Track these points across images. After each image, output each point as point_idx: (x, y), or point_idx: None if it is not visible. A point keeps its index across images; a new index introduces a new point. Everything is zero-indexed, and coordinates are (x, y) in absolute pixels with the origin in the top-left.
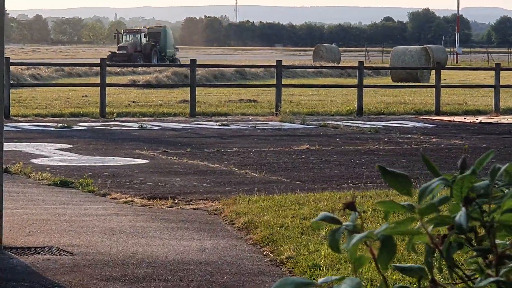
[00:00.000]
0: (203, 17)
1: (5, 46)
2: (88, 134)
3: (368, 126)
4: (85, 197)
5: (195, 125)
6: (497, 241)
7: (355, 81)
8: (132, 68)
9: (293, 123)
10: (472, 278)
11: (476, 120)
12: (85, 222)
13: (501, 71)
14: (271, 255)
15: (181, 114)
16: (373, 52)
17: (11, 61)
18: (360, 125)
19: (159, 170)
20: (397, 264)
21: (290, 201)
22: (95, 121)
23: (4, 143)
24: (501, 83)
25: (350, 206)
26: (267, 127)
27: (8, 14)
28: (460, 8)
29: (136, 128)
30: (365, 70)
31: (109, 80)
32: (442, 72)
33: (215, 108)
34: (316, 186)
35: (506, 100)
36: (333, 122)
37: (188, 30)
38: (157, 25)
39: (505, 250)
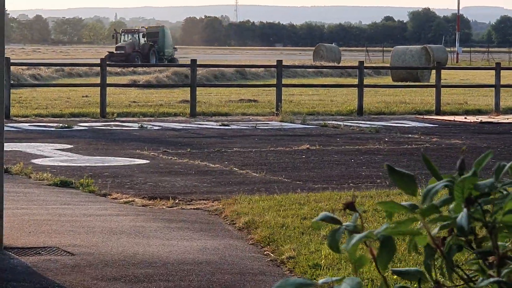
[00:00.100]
0: (203, 17)
1: (5, 46)
2: (89, 134)
3: (368, 126)
4: (85, 197)
5: (196, 125)
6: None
7: (355, 81)
8: (132, 68)
9: (293, 123)
10: (473, 279)
11: (477, 120)
12: (86, 222)
13: (501, 71)
14: (271, 255)
15: (181, 114)
16: (374, 52)
17: (12, 61)
18: (360, 125)
19: (159, 170)
20: (395, 268)
21: (290, 201)
22: (96, 121)
23: (5, 144)
24: (502, 82)
25: (350, 206)
26: (268, 127)
27: (9, 14)
28: (460, 8)
29: (136, 128)
30: (365, 70)
31: (109, 80)
32: (443, 71)
33: (216, 108)
34: (316, 186)
35: (507, 99)
36: (333, 122)
37: (188, 30)
38: (156, 25)
39: (506, 251)
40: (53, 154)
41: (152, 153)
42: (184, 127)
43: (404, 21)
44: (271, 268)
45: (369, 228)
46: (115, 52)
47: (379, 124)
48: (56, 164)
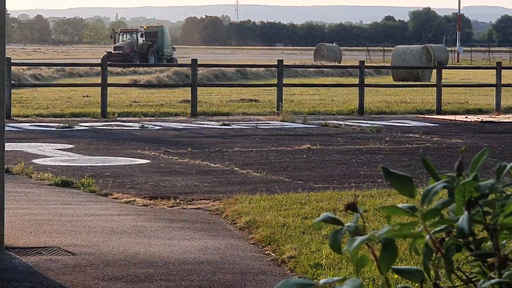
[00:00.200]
0: (204, 17)
1: (6, 46)
2: (90, 134)
3: (369, 125)
4: (86, 197)
5: (196, 125)
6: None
7: (356, 81)
8: (133, 68)
9: (294, 122)
10: (473, 280)
11: (478, 119)
12: (87, 222)
13: (502, 70)
14: (272, 254)
15: (182, 114)
16: (374, 51)
17: (12, 61)
18: (361, 125)
19: (160, 170)
20: (395, 266)
21: (291, 201)
22: (96, 121)
23: (6, 143)
24: (503, 82)
25: (352, 207)
26: (269, 126)
27: (9, 14)
28: (461, 7)
29: (137, 128)
30: (366, 70)
31: (110, 80)
32: (443, 71)
33: (216, 108)
34: (317, 185)
35: (508, 99)
36: (334, 121)
37: (189, 29)
38: (156, 24)
39: (508, 254)
40: (54, 154)
41: (153, 153)
42: (185, 127)
43: (405, 21)
44: (272, 268)
45: (370, 227)
46: (113, 52)
47: (380, 124)
48: (57, 164)
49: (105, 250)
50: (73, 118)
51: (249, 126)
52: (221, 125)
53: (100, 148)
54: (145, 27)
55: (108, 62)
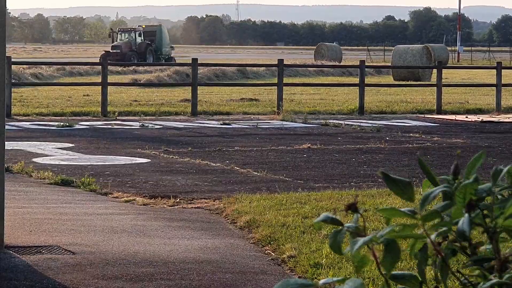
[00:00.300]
0: (204, 16)
1: (6, 45)
2: (90, 133)
3: (369, 125)
4: (86, 196)
5: (197, 124)
6: (489, 246)
7: (356, 80)
8: (133, 67)
9: (294, 122)
10: (473, 282)
11: (478, 119)
12: (87, 221)
13: (502, 70)
14: (272, 254)
15: (182, 113)
16: (375, 51)
17: (13, 60)
18: (361, 124)
19: (160, 169)
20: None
21: (291, 200)
22: (97, 120)
23: (6, 142)
24: (503, 82)
25: (352, 207)
26: (269, 126)
27: (10, 13)
28: (461, 7)
29: (137, 127)
30: (366, 69)
31: (110, 79)
32: (444, 71)
33: (217, 107)
34: (317, 185)
35: (508, 99)
36: (334, 121)
37: (189, 29)
38: (153, 23)
39: (508, 256)
40: (54, 153)
41: (153, 152)
42: (185, 126)
43: (405, 21)
44: (272, 267)
45: (371, 227)
46: (111, 51)
47: (380, 123)
48: (57, 163)
49: (105, 249)
50: (73, 117)
51: (249, 125)
52: (221, 124)
53: (100, 147)
54: (143, 26)
55: (108, 62)
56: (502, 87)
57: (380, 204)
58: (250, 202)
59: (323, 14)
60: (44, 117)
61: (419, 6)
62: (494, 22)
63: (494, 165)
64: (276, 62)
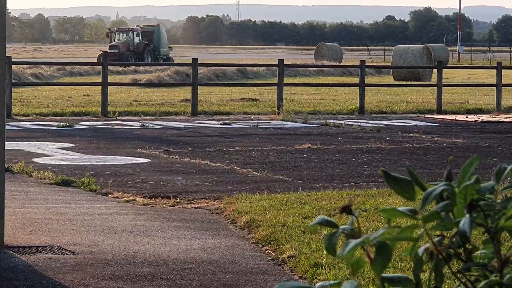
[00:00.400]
0: (204, 16)
1: (6, 45)
2: (90, 133)
3: (369, 125)
4: (86, 196)
5: (197, 124)
6: (484, 251)
7: (357, 80)
8: (133, 67)
9: (294, 122)
10: (474, 283)
11: (478, 119)
12: (87, 221)
13: (503, 70)
14: (273, 254)
15: (182, 113)
16: (375, 51)
17: (13, 60)
18: (361, 124)
19: (160, 169)
20: (384, 275)
21: (292, 200)
22: (97, 120)
23: (6, 142)
24: (503, 82)
25: (347, 209)
26: (269, 126)
27: (10, 13)
28: (461, 7)
29: (137, 127)
30: (367, 69)
31: (110, 79)
32: (444, 71)
33: (217, 107)
34: (318, 185)
35: (508, 99)
36: (334, 121)
37: (189, 29)
38: (152, 23)
39: (509, 256)
40: (54, 153)
41: (154, 152)
42: (186, 126)
43: (406, 21)
44: (272, 267)
45: (371, 227)
46: (108, 51)
47: (380, 123)
48: (57, 163)
49: (105, 249)
50: (73, 117)
51: (249, 125)
52: (221, 124)
53: (100, 147)
54: (141, 26)
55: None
56: (502, 87)
57: (380, 204)
58: (250, 202)
59: (323, 14)
60: (44, 117)
61: (420, 6)
62: (494, 22)
63: (495, 165)
64: (277, 62)
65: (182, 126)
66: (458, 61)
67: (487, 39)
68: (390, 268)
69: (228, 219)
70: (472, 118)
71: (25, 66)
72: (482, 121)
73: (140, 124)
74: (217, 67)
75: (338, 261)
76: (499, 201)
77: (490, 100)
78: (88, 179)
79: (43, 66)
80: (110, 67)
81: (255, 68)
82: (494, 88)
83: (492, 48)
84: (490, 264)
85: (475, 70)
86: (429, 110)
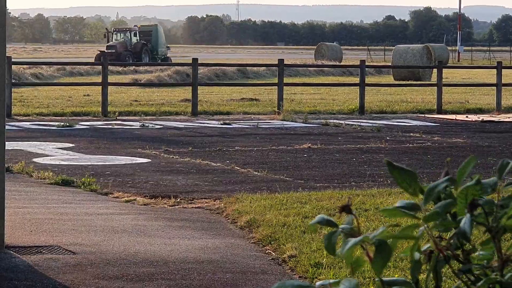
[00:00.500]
0: (204, 16)
1: (6, 45)
2: (90, 133)
3: (370, 124)
4: (87, 196)
5: (197, 124)
6: (482, 252)
7: (357, 80)
8: (133, 67)
9: (295, 121)
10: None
11: (478, 119)
12: (87, 221)
13: (503, 70)
14: (273, 253)
15: (183, 113)
16: (375, 51)
17: (13, 60)
18: (362, 124)
19: (161, 169)
20: (385, 279)
21: (292, 200)
22: (97, 120)
23: (6, 142)
24: (503, 81)
25: (346, 208)
26: (269, 125)
27: (10, 13)
28: (461, 7)
29: (138, 127)
30: (367, 69)
31: (110, 79)
32: (444, 70)
33: (217, 107)
34: (318, 184)
35: (508, 98)
36: (335, 120)
37: (189, 28)
38: (150, 23)
39: (510, 255)
40: (54, 153)
41: (154, 152)
42: (186, 126)
43: (406, 20)
44: (272, 267)
45: (371, 227)
46: (106, 51)
47: (380, 123)
48: (57, 163)
49: (105, 249)
50: (73, 117)
51: (249, 125)
52: (221, 124)
53: (100, 147)
54: (138, 26)
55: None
56: (502, 87)
57: (380, 204)
58: (250, 202)
59: (323, 14)
60: (44, 117)
61: (420, 6)
62: (495, 22)
63: (495, 164)
64: (277, 62)
65: (182, 126)
66: (458, 60)
67: (487, 39)
68: (390, 268)
69: (228, 219)
70: (472, 117)
71: (25, 66)
72: (482, 121)
73: (140, 124)
74: (217, 67)
75: (338, 261)
76: (500, 199)
77: (490, 100)
78: (88, 179)
79: (43, 66)
80: (110, 67)
81: (255, 68)
82: (494, 87)
83: (492, 48)
84: (489, 264)
85: (475, 69)
86: (429, 110)
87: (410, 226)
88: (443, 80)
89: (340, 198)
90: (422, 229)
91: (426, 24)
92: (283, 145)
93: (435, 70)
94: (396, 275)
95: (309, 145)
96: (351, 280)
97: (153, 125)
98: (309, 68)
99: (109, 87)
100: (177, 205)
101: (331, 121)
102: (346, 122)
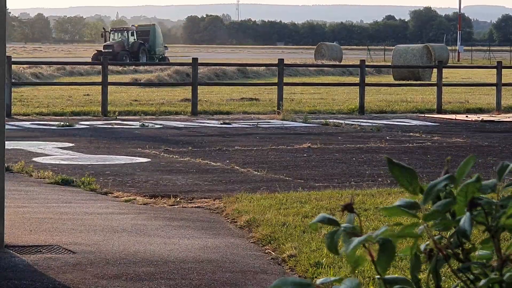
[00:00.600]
0: (204, 16)
1: (6, 45)
2: (90, 132)
3: (369, 124)
4: (86, 196)
5: (197, 124)
6: (482, 252)
7: (357, 80)
8: (133, 67)
9: (294, 121)
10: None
11: (478, 119)
12: (87, 221)
13: (502, 70)
14: (273, 253)
15: (183, 113)
16: (375, 51)
17: (13, 59)
18: (361, 124)
19: (160, 169)
20: (386, 277)
21: (292, 200)
22: (97, 120)
23: (6, 142)
24: (503, 81)
25: (348, 207)
26: (269, 125)
27: (10, 13)
28: (461, 7)
29: (137, 126)
30: (367, 69)
31: (110, 78)
32: (444, 70)
33: (217, 107)
34: (317, 184)
35: (508, 98)
36: (334, 120)
37: (189, 28)
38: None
39: (509, 255)
40: (54, 153)
41: (154, 152)
42: (186, 126)
43: (406, 20)
44: (272, 267)
45: (371, 226)
46: (103, 50)
47: (380, 123)
48: (57, 162)
49: (105, 249)
50: (73, 117)
51: (249, 125)
52: (221, 123)
53: (100, 146)
54: (136, 25)
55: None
56: (502, 87)
57: (380, 203)
58: (250, 202)
59: (323, 14)
60: (44, 116)
61: (420, 6)
62: (495, 22)
63: (495, 164)
64: (276, 62)
65: (182, 126)
66: (458, 60)
67: (487, 39)
68: (390, 267)
69: (228, 219)
70: (472, 117)
71: (25, 65)
72: (482, 121)
73: (140, 123)
74: (217, 67)
75: (338, 260)
76: (500, 199)
77: (490, 100)
78: (88, 179)
79: (43, 65)
80: (110, 67)
81: (255, 68)
82: (494, 87)
83: (492, 48)
84: (489, 264)
85: (475, 69)
86: (429, 110)
87: (410, 225)
88: (443, 80)
89: (340, 198)
90: (422, 228)
91: (426, 24)
92: (283, 144)
93: (435, 70)
94: (396, 275)
95: (309, 144)
96: (353, 279)
97: (153, 124)
98: (309, 68)
99: (109, 87)
100: (177, 205)
101: (331, 120)
102: (346, 122)
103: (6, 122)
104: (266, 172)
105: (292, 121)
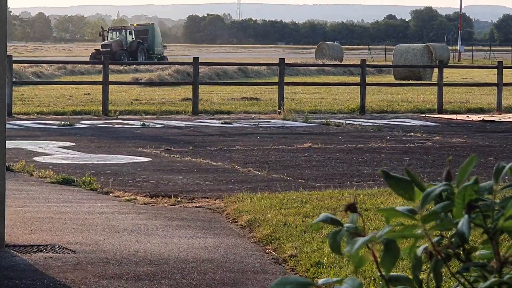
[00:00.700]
0: (205, 15)
1: (7, 44)
2: (91, 132)
3: (370, 124)
4: (87, 195)
5: (198, 123)
6: (482, 251)
7: (357, 79)
8: (134, 66)
9: (295, 121)
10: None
11: (479, 118)
12: (88, 220)
13: (503, 69)
14: (273, 253)
15: (183, 112)
16: (376, 50)
17: (14, 58)
18: (362, 123)
19: (161, 168)
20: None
21: (292, 199)
22: (98, 119)
23: (7, 141)
24: (504, 81)
25: (351, 207)
26: (270, 125)
27: (11, 12)
28: (462, 6)
29: (138, 126)
30: (367, 68)
31: (111, 78)
32: (445, 70)
33: (218, 106)
34: (318, 184)
35: (509, 98)
36: (335, 120)
37: (190, 27)
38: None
39: (508, 257)
40: (55, 152)
41: (154, 151)
42: (186, 125)
43: (407, 20)
44: (273, 266)
45: (372, 226)
46: (101, 50)
47: (381, 123)
48: (58, 161)
49: (106, 248)
50: (74, 116)
51: (250, 124)
52: (222, 123)
53: (101, 146)
54: (134, 24)
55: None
56: (503, 87)
57: (381, 203)
58: (251, 201)
59: (324, 13)
60: (45, 116)
61: (420, 6)
62: (495, 22)
63: (495, 164)
64: (277, 61)
65: (183, 125)
66: (459, 60)
67: (488, 39)
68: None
69: (228, 218)
70: (473, 117)
71: (26, 64)
72: (483, 121)
73: (141, 123)
74: (218, 66)
75: (339, 260)
76: (498, 201)
77: (491, 100)
78: (89, 178)
79: (44, 64)
80: (111, 66)
81: (256, 67)
82: (495, 87)
83: (493, 48)
84: (489, 265)
85: (476, 69)
86: (430, 110)
87: (409, 227)
88: (444, 79)
89: (340, 198)
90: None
91: (427, 24)
92: (283, 144)
93: (436, 70)
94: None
95: (310, 144)
96: (355, 279)
97: (154, 124)
98: (310, 68)
99: (110, 86)
100: (178, 204)
101: (332, 120)
102: (347, 122)
103: (7, 121)
104: (267, 172)
105: (293, 120)
